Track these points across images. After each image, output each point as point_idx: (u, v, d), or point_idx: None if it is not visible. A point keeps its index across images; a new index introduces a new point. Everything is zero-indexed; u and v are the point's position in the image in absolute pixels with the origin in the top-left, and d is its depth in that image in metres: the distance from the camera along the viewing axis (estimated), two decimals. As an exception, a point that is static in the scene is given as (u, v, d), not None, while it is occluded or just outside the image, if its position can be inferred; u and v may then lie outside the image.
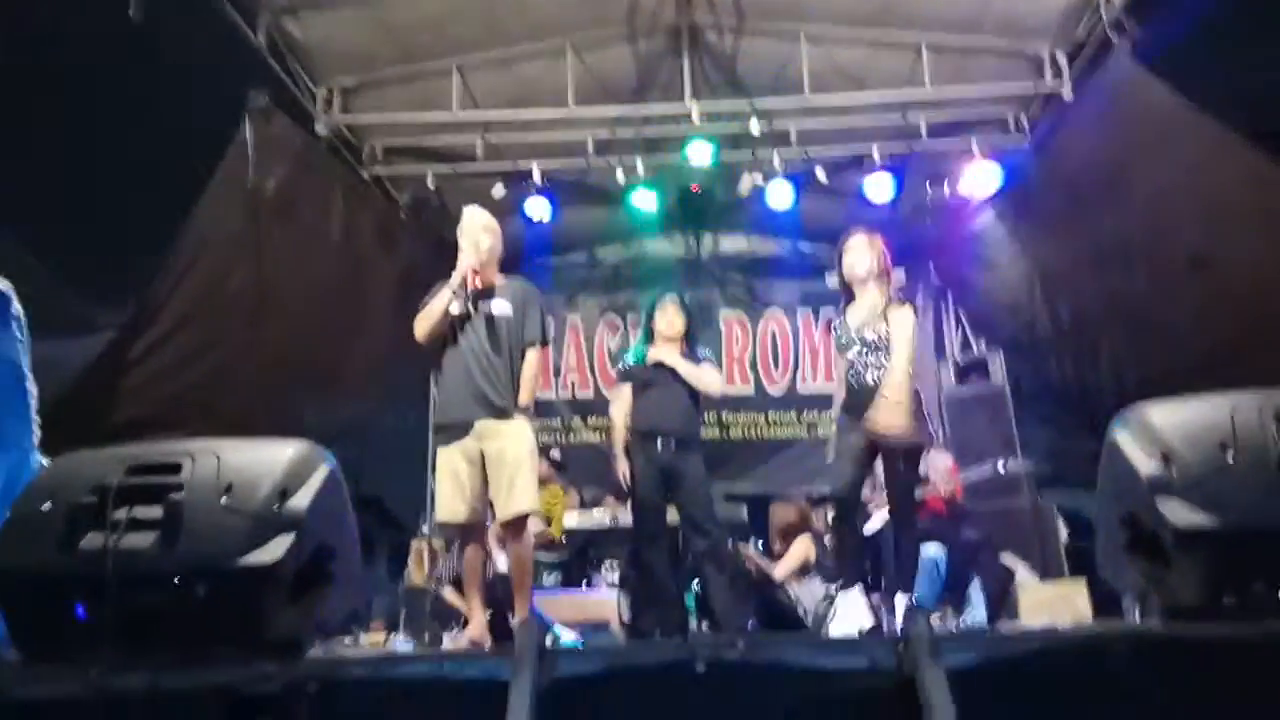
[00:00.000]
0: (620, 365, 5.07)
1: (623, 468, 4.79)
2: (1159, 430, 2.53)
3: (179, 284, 4.75)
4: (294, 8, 5.38)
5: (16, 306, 3.24)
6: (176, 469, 2.44)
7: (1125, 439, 2.61)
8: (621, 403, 4.86)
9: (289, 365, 5.40)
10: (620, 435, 4.83)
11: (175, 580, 2.31)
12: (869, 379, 3.96)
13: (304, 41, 5.61)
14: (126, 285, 4.62)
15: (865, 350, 4.01)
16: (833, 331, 4.26)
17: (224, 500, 2.37)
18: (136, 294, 4.66)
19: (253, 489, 2.39)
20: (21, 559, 2.40)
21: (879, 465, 4.15)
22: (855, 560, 4.21)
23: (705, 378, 4.80)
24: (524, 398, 3.99)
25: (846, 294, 4.20)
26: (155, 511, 2.37)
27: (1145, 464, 2.50)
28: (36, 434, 3.24)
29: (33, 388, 3.23)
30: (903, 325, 3.98)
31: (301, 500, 2.41)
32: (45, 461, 3.11)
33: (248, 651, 2.24)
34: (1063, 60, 5.87)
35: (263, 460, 2.47)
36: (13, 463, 3.13)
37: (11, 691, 2.21)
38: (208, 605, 2.31)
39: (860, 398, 3.96)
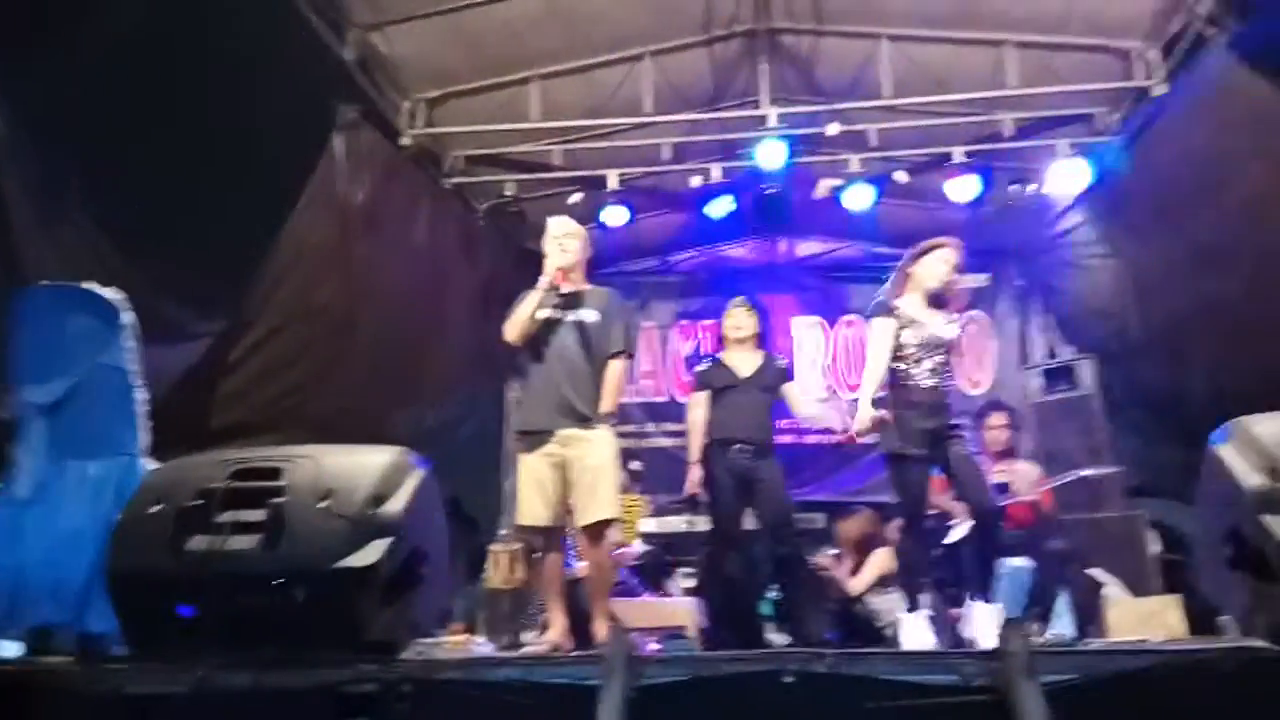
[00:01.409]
0: (694, 371, 5.06)
1: (696, 475, 4.77)
2: (1264, 443, 2.45)
3: (272, 293, 4.92)
4: (380, 23, 5.52)
5: (127, 315, 3.40)
6: (278, 474, 2.54)
7: (1228, 452, 2.53)
8: (700, 409, 4.85)
9: (375, 372, 5.54)
10: (698, 442, 4.82)
11: (277, 582, 2.40)
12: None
13: (390, 55, 5.75)
14: (222, 294, 4.79)
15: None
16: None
17: (323, 504, 2.46)
18: (231, 303, 4.83)
19: (350, 494, 2.47)
20: (132, 560, 2.52)
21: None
22: (920, 577, 4.20)
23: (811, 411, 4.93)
24: (607, 406, 4.02)
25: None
26: (258, 515, 2.47)
27: (1250, 478, 2.42)
28: (145, 440, 3.38)
29: (141, 395, 3.38)
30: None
31: (396, 505, 2.49)
32: (153, 466, 3.24)
33: (346, 651, 2.32)
34: (1155, 56, 5.67)
35: (359, 466, 2.56)
36: (123, 468, 3.27)
37: (123, 688, 2.32)
38: (307, 606, 2.40)
39: None
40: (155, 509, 2.54)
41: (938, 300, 4.13)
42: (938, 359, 4.07)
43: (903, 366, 4.08)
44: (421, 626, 2.76)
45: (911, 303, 4.15)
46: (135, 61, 4.06)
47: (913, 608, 4.09)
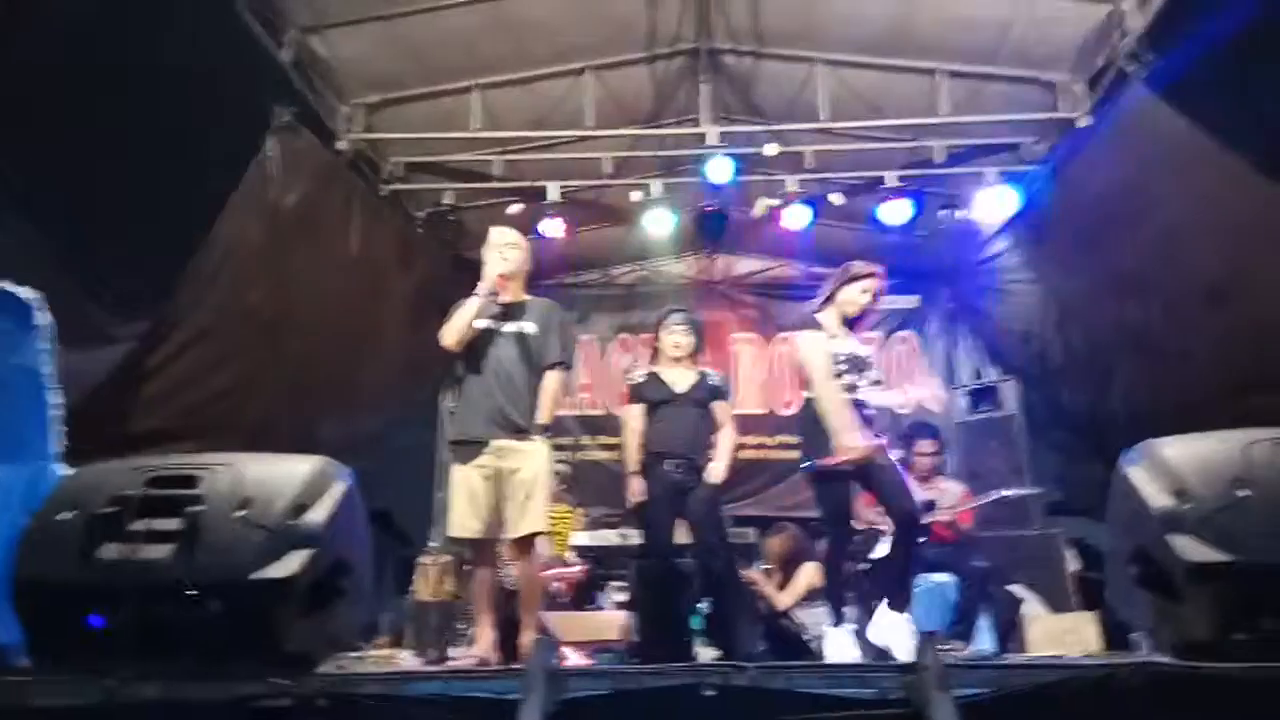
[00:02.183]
0: (628, 383, 5.07)
1: (637, 486, 4.78)
2: (1172, 465, 2.55)
3: (199, 297, 4.80)
4: (319, 26, 5.45)
5: (42, 316, 3.29)
6: (195, 482, 2.48)
7: (1137, 473, 2.62)
8: (635, 421, 4.87)
9: (305, 379, 5.44)
10: (635, 454, 4.82)
11: (191, 592, 2.34)
12: None
13: (328, 59, 5.68)
14: (147, 298, 4.66)
15: None
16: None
17: (241, 514, 2.41)
18: (156, 306, 4.70)
19: (270, 503, 2.42)
20: (41, 569, 2.43)
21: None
22: (844, 592, 4.31)
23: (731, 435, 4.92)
24: (543, 418, 4.02)
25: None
26: (174, 524, 2.40)
27: (1158, 499, 2.52)
28: (58, 445, 3.27)
29: (56, 398, 3.27)
30: None
31: (318, 515, 2.44)
32: (66, 472, 3.14)
33: (261, 664, 2.27)
34: (1080, 88, 5.88)
35: (280, 475, 2.51)
36: (34, 473, 3.17)
37: (28, 700, 2.24)
38: (223, 618, 2.34)
39: None
40: (66, 516, 2.46)
41: (850, 323, 4.28)
42: (856, 376, 4.13)
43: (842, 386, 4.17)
44: (341, 640, 2.71)
45: (829, 321, 4.26)
46: (63, 57, 3.95)
47: (837, 622, 4.16)
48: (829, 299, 4.27)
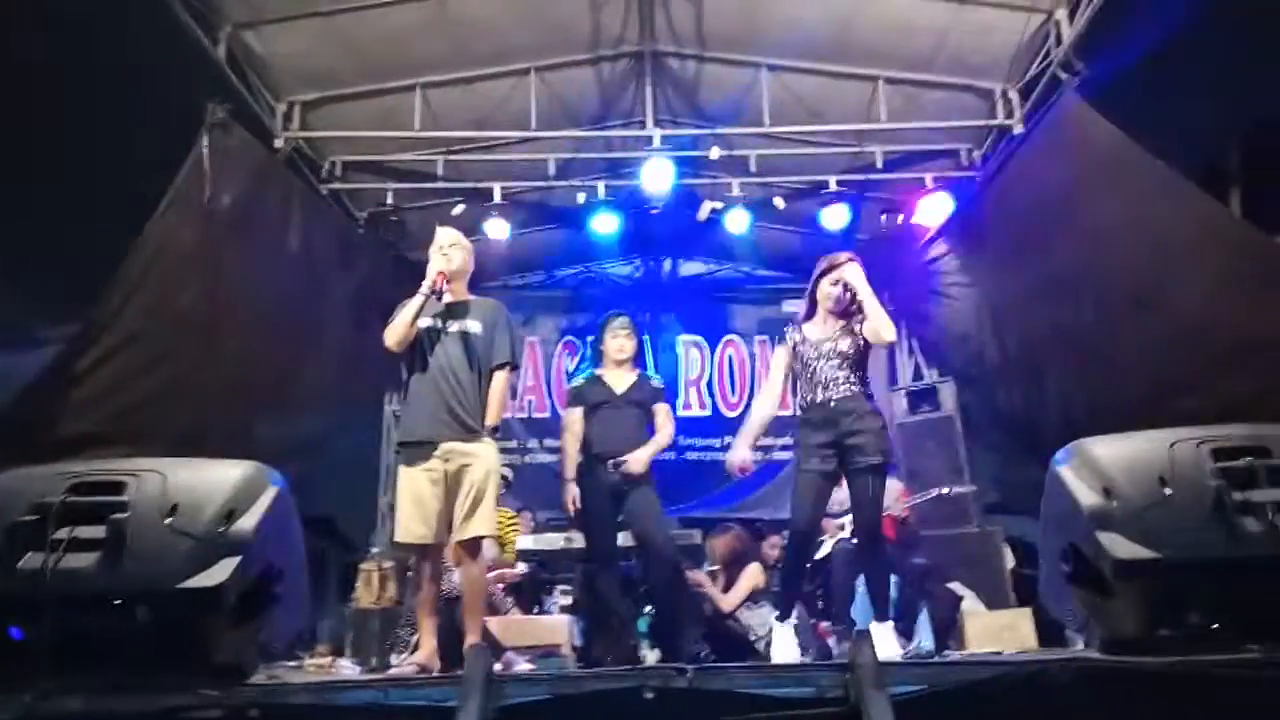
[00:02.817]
0: (569, 386, 5.06)
1: (572, 493, 4.76)
2: (1101, 464, 2.60)
3: (129, 298, 4.65)
4: (254, 22, 5.34)
5: (-42, 318, 3.17)
6: (121, 488, 2.40)
7: (1068, 472, 2.68)
8: (573, 426, 4.85)
9: (241, 381, 5.31)
10: (571, 459, 4.80)
11: (116, 602, 2.27)
12: None
13: (264, 55, 5.57)
14: (75, 299, 4.53)
15: None
16: None
17: (169, 521, 2.34)
18: (85, 308, 4.56)
19: (198, 510, 2.36)
20: (-45, 579, 2.33)
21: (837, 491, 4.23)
22: (793, 590, 4.30)
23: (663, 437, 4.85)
24: (491, 419, 3.97)
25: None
26: (98, 532, 2.33)
27: (1087, 497, 2.57)
28: (-24, 450, 3.15)
29: (-26, 402, 3.16)
30: None
31: (248, 522, 2.39)
32: (-16, 478, 3.02)
33: (190, 676, 2.21)
34: (1014, 96, 6.03)
35: (209, 481, 2.44)
36: (-51, 479, 3.04)
37: (-60, 717, 2.15)
38: (149, 628, 2.28)
39: None
40: (-16, 525, 2.36)
41: (843, 313, 4.18)
42: (833, 371, 4.08)
43: (800, 382, 4.18)
44: (273, 649, 2.65)
45: (814, 321, 4.26)
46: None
47: (783, 617, 4.16)
48: (812, 300, 4.29)
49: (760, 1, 5.68)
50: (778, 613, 4.20)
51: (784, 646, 4.05)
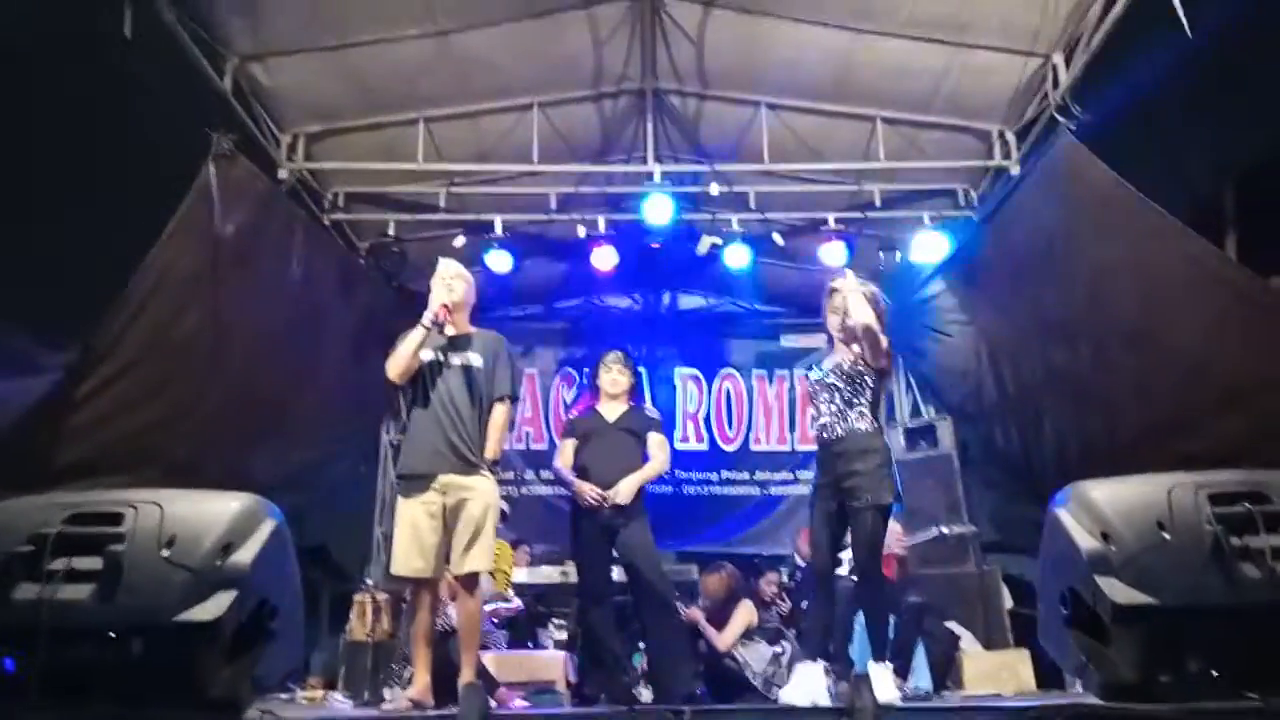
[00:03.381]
0: (566, 417, 5.07)
1: (585, 487, 4.67)
2: (1099, 508, 2.61)
3: (129, 325, 4.66)
4: (261, 54, 5.40)
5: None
6: (118, 519, 2.40)
7: (1066, 515, 2.68)
8: (564, 452, 4.87)
9: (240, 411, 5.30)
10: (570, 476, 4.78)
11: (111, 635, 2.26)
12: None
13: (270, 87, 5.62)
14: (76, 327, 4.53)
15: None
16: None
17: (165, 553, 2.33)
18: (85, 335, 4.57)
19: (195, 543, 2.36)
20: (-51, 609, 2.32)
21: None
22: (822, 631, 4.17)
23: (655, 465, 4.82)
24: (490, 452, 3.98)
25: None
26: (94, 563, 2.32)
27: (1086, 541, 2.57)
28: (-27, 478, 3.15)
29: (-28, 430, 3.15)
30: None
31: (245, 555, 2.38)
32: (-20, 507, 3.01)
33: (183, 710, 2.20)
34: (1011, 138, 6.09)
35: (207, 513, 2.44)
36: (-54, 507, 3.03)
37: (-70, 750, 2.13)
38: (143, 661, 2.27)
39: None
40: (-22, 555, 2.35)
41: (849, 340, 4.11)
42: (827, 407, 4.05)
43: (810, 417, 4.17)
44: (268, 683, 2.63)
45: (834, 351, 4.22)
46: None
47: (812, 656, 4.03)
48: (826, 333, 4.29)
49: (760, 41, 5.75)
50: (777, 647, 4.17)
51: (810, 685, 3.87)
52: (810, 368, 4.38)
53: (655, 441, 4.89)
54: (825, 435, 4.04)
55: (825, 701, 3.69)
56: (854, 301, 4.01)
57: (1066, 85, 5.32)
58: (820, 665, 3.94)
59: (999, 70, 5.64)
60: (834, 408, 4.03)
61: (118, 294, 4.63)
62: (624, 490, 4.61)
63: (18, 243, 4.05)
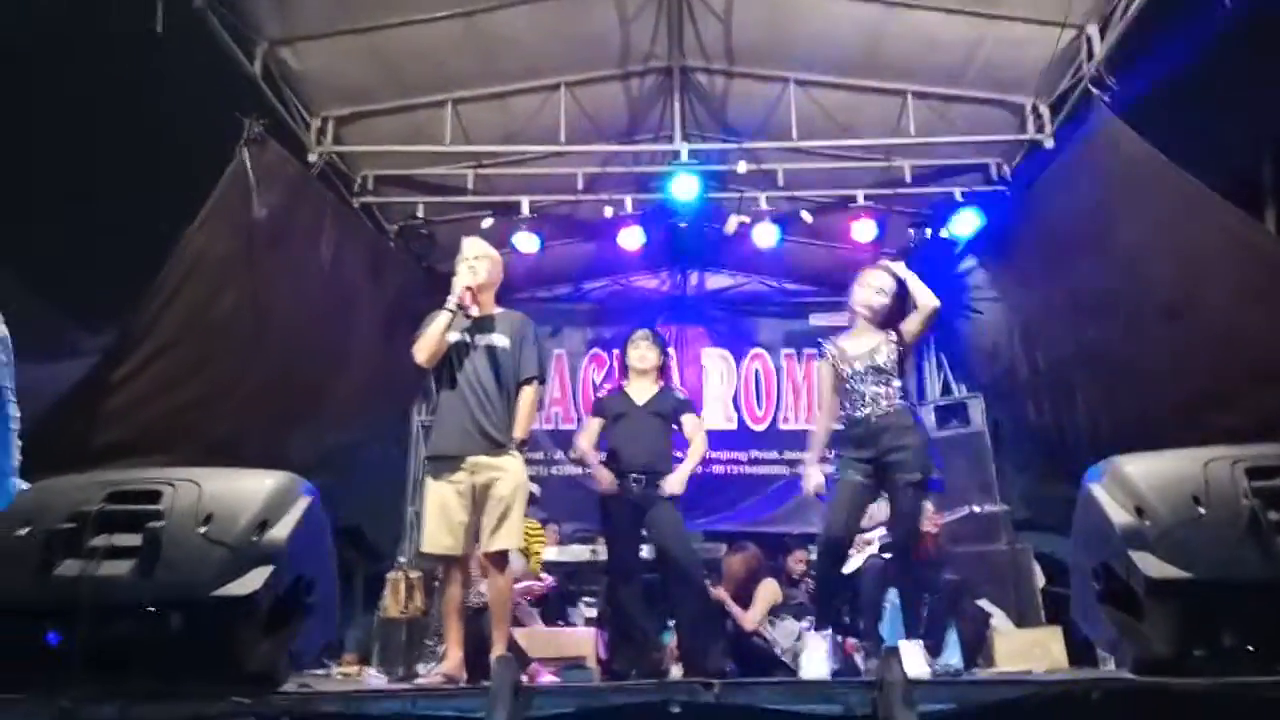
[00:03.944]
0: (595, 397, 5.10)
1: (605, 474, 4.75)
2: (1133, 482, 2.58)
3: (165, 308, 4.74)
4: (290, 38, 5.43)
5: (1, 329, 3.23)
6: (156, 497, 2.44)
7: (1100, 490, 2.65)
8: (589, 428, 4.90)
9: (274, 392, 5.38)
10: (591, 457, 4.84)
11: (150, 610, 2.30)
12: None
13: (299, 71, 5.66)
14: (113, 310, 4.61)
15: None
16: None
17: (203, 530, 2.37)
18: (122, 318, 4.65)
19: (232, 519, 2.39)
20: (-5, 585, 2.38)
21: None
22: (826, 603, 4.27)
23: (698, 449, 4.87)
24: (518, 433, 4.01)
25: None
26: (133, 540, 2.37)
27: (1119, 515, 2.54)
28: (17, 458, 3.21)
29: (15, 411, 3.22)
30: None
31: (281, 532, 2.42)
32: (25, 486, 3.08)
33: (221, 683, 2.24)
34: (1045, 111, 5.98)
35: (243, 491, 2.48)
36: (-10, 487, 3.11)
37: (-21, 721, 2.19)
38: (182, 636, 2.31)
39: None
40: (22, 532, 2.41)
41: (885, 322, 4.17)
42: (871, 389, 4.07)
43: (841, 399, 4.18)
44: (304, 658, 2.67)
45: (851, 333, 4.25)
46: (30, 64, 3.91)
47: (819, 626, 4.14)
48: (850, 312, 4.28)
49: (788, 16, 5.69)
50: (804, 623, 4.20)
51: (816, 655, 4.01)
52: (828, 347, 4.31)
53: (691, 423, 4.91)
54: (869, 414, 4.04)
55: (826, 670, 3.78)
56: (914, 285, 4.04)
57: (1101, 56, 5.21)
58: (825, 635, 4.03)
59: (1032, 42, 5.53)
60: (880, 389, 4.06)
61: (153, 278, 4.70)
62: (674, 483, 4.68)
63: (55, 229, 4.13)
